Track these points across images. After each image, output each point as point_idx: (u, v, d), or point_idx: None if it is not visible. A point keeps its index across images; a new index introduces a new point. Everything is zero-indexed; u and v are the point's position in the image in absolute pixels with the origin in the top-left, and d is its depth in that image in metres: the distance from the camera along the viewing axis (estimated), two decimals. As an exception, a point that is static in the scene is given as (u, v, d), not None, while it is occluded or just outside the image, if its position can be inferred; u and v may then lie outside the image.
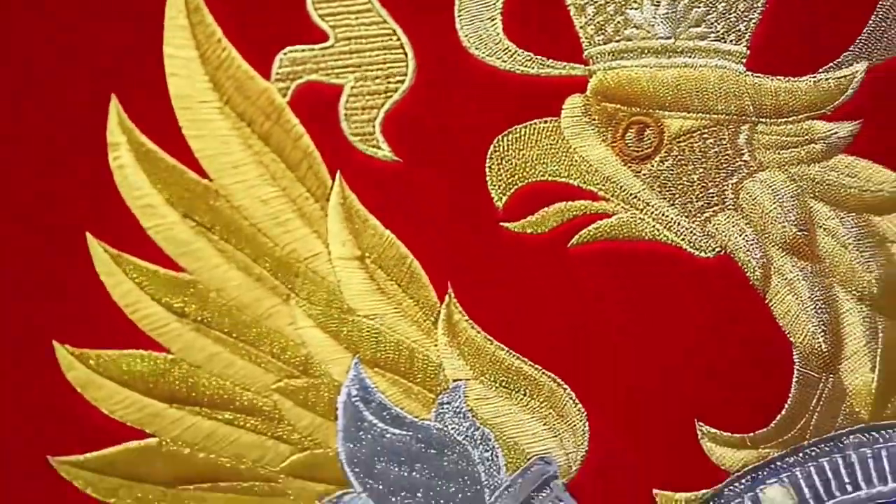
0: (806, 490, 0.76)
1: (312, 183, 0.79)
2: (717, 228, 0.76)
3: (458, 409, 0.79)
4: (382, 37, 0.78)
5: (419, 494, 0.78)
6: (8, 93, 0.80)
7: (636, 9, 0.75)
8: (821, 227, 0.75)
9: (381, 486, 0.79)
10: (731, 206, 0.76)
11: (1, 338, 0.82)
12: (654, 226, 0.76)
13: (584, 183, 0.77)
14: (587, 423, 0.78)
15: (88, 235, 0.80)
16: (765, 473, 0.75)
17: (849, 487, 0.75)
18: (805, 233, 0.75)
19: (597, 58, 0.77)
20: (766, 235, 0.75)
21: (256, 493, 0.81)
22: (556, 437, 0.78)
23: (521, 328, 0.78)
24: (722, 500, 0.76)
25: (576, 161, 0.77)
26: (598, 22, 0.76)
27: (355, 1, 0.77)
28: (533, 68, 0.77)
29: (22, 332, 0.83)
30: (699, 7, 0.75)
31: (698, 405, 0.77)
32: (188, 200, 0.79)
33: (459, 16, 0.77)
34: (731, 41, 0.76)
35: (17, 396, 0.83)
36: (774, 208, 0.75)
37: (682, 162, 0.76)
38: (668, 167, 0.76)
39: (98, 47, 0.80)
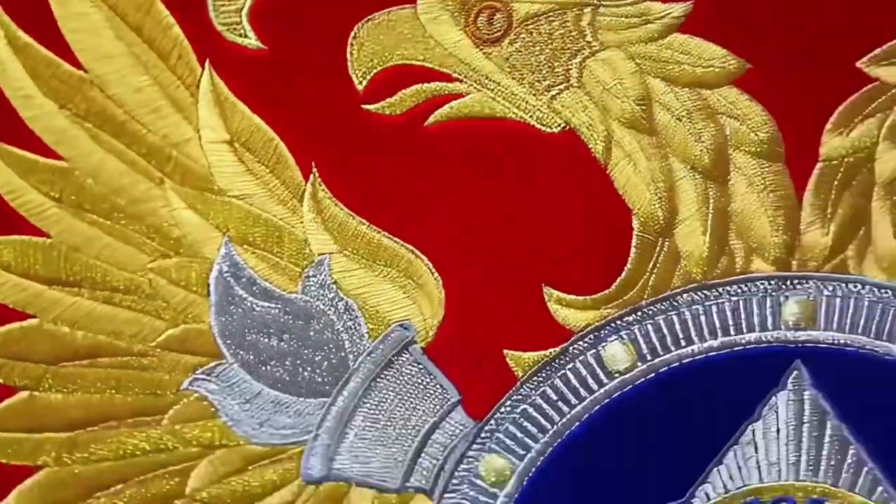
0: (643, 346, 0.81)
1: (183, 71, 0.82)
2: (562, 105, 0.81)
3: (322, 282, 0.83)
4: (246, -72, 0.82)
5: (287, 363, 0.82)
6: None
7: None
8: (657, 101, 0.80)
9: (251, 357, 0.83)
10: (575, 85, 0.80)
11: None
12: (504, 104, 0.81)
13: (440, 66, 0.81)
14: (443, 291, 0.83)
15: (-32, 127, 0.83)
16: (606, 332, 0.80)
17: (682, 342, 0.81)
18: (643, 108, 0.80)
19: (450, -53, 0.82)
20: (608, 111, 0.80)
21: (134, 367, 0.84)
22: (414, 304, 0.83)
23: (381, 203, 0.83)
24: (567, 358, 0.81)
25: (431, 45, 0.81)
26: (450, -88, 0.81)
27: None
28: (390, -41, 0.82)
29: None
30: None
31: (545, 270, 0.81)
32: (64, 91, 0.82)
33: None
34: (573, -70, 0.81)
35: None
36: (615, 85, 0.80)
37: (530, 44, 0.81)
38: (516, 49, 0.80)
39: (-26, -53, 0.84)
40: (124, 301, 0.84)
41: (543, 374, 0.80)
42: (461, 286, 0.82)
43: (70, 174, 0.83)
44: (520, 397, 0.81)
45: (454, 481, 0.81)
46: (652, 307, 0.79)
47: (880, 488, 0.80)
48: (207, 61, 0.81)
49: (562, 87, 0.80)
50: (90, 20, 0.81)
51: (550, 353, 0.80)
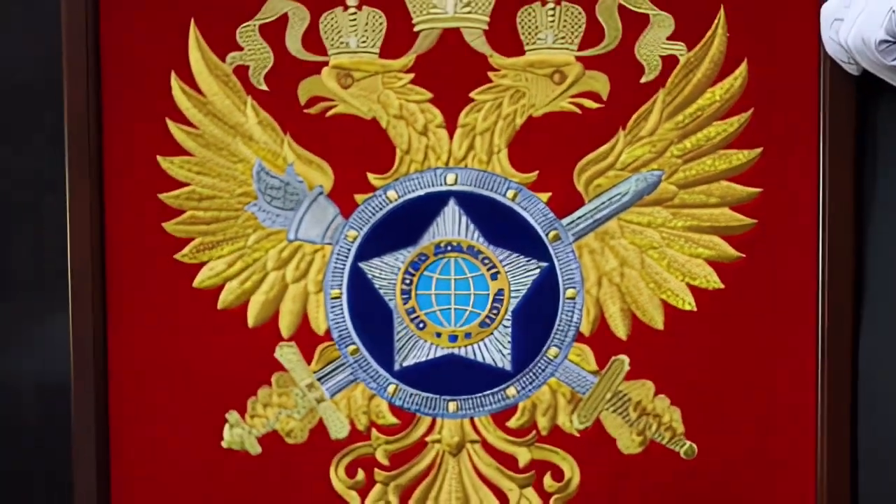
0: (399, 192, 2.21)
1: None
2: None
3: (292, 174, 2.22)
4: None
5: (279, 201, 2.19)
6: None
7: None
8: None
9: (268, 200, 2.21)
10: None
11: None
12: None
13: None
14: (332, 175, 2.22)
15: None
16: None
17: (409, 192, 2.21)
18: None
19: None
20: None
21: (228, 200, 2.21)
22: (323, 177, 2.21)
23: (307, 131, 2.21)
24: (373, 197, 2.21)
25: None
26: None
27: None
28: None
29: None
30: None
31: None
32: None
33: None
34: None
35: None
36: None
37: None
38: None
39: None
40: (225, 178, 2.04)
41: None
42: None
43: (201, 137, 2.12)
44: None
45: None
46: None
47: (481, 239, 2.04)
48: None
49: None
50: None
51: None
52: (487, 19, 1.95)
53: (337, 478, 2.07)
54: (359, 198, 2.03)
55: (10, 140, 2.10)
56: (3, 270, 2.12)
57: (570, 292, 2.00)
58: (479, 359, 2.03)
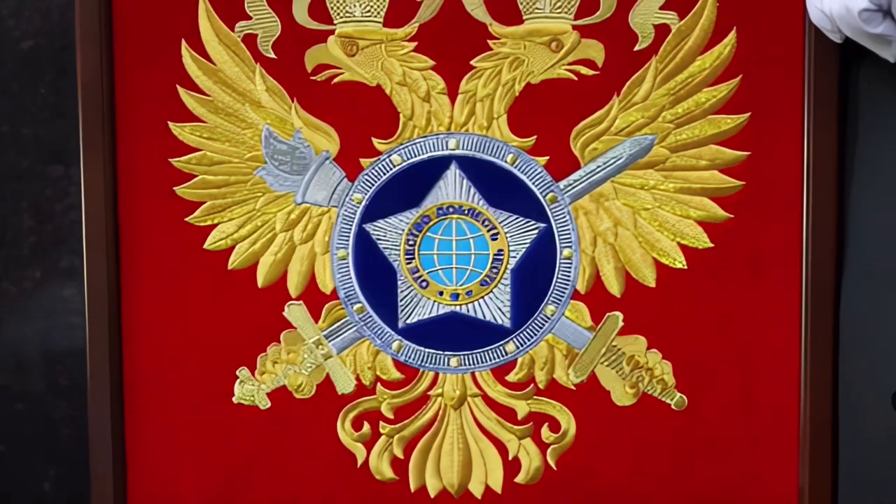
0: (404, 157, 2.29)
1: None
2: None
3: (299, 136, 2.30)
4: None
5: (286, 165, 2.28)
6: None
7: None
8: None
9: (276, 163, 2.30)
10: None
11: None
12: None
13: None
14: (338, 140, 2.31)
15: None
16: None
17: (412, 157, 2.29)
18: None
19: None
20: None
21: (238, 165, 2.30)
22: (329, 143, 2.30)
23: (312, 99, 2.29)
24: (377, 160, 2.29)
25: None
26: None
27: None
28: None
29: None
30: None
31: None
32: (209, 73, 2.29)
33: None
34: None
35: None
36: None
37: None
38: None
39: None
40: (235, 144, 2.10)
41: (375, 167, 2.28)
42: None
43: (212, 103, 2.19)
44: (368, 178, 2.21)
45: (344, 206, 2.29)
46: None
47: (481, 202, 2.09)
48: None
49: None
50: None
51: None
52: (487, -12, 1.96)
53: (343, 431, 2.15)
54: (364, 162, 2.11)
55: (24, 108, 2.16)
56: (18, 237, 2.22)
57: (566, 252, 2.09)
58: (480, 316, 2.12)
